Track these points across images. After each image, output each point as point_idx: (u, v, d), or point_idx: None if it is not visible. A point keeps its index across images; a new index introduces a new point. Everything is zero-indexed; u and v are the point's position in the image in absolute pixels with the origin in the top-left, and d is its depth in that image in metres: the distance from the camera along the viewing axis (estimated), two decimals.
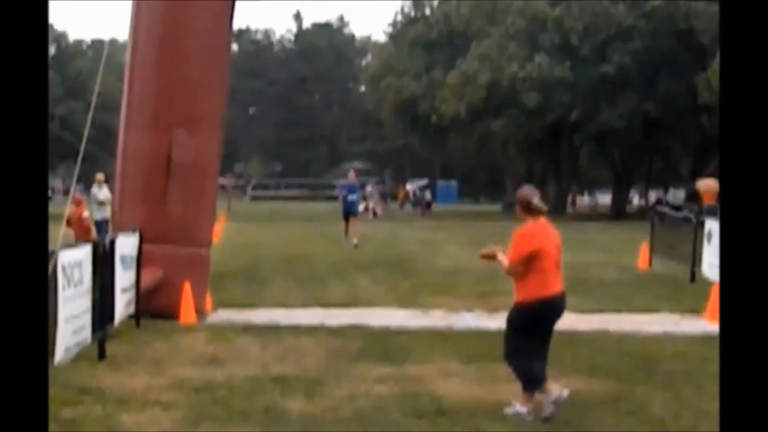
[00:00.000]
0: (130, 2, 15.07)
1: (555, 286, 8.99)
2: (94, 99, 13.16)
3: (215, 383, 10.15)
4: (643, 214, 43.75)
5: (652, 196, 75.89)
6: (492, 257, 9.18)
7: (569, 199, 62.14)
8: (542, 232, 9.06)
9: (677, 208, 32.00)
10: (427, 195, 65.72)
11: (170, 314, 14.02)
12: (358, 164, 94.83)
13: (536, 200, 9.05)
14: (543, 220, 9.11)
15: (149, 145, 14.70)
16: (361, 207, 52.83)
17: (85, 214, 22.99)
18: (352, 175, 31.45)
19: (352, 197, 29.91)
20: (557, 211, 58.00)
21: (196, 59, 14.83)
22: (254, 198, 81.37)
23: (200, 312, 14.48)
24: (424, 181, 79.58)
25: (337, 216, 31.44)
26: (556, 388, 8.95)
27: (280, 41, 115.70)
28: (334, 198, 79.78)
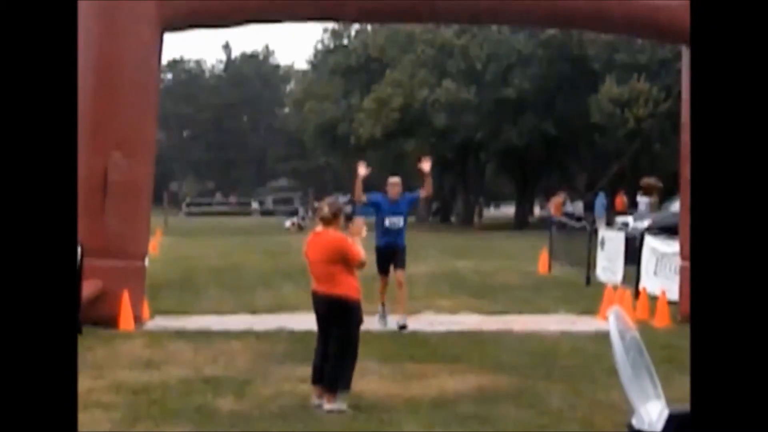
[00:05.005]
0: None
1: (314, 285, 9.31)
2: None
3: (151, 385, 10.05)
4: (543, 224, 44.17)
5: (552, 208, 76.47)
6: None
7: (476, 211, 62.39)
8: (312, 241, 9.30)
9: (579, 219, 32.50)
10: (347, 209, 65.48)
11: (110, 322, 13.84)
12: (283, 182, 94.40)
13: (324, 211, 9.25)
14: (322, 230, 9.25)
15: (87, 166, 14.52)
16: (287, 223, 52.47)
17: None
18: (395, 183, 15.35)
19: (394, 220, 14.90)
20: (466, 222, 58.36)
21: (128, 87, 14.70)
22: (188, 214, 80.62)
23: (138, 319, 14.32)
24: (345, 198, 79.50)
25: (265, 228, 30.57)
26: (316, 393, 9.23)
27: (211, 70, 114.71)
28: (262, 213, 79.26)
